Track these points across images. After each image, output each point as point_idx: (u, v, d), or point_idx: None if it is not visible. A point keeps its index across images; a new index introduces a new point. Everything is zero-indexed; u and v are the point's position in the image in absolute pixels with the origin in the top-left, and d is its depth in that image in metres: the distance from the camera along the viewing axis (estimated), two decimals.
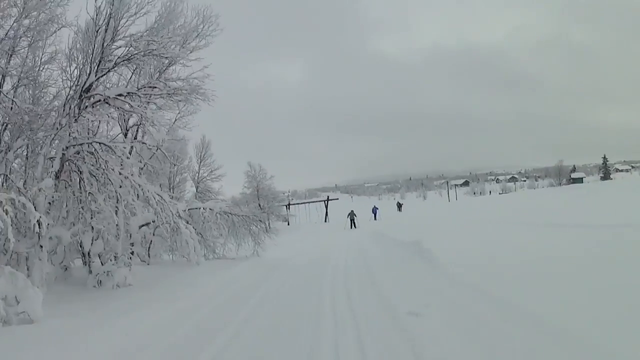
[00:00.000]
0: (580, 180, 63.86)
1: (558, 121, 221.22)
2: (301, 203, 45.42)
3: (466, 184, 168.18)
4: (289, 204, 43.07)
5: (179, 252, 11.82)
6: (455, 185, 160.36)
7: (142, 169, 14.50)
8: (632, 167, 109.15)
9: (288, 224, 38.72)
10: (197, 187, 30.63)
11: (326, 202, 42.35)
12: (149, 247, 12.51)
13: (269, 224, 36.99)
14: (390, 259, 11.21)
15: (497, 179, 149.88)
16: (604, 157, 67.43)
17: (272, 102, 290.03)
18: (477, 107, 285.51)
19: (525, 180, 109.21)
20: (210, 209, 12.35)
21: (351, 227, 31.38)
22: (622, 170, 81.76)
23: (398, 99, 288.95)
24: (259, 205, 36.06)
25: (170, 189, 29.26)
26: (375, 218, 37.60)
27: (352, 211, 33.26)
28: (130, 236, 10.62)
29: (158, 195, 8.85)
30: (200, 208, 12.37)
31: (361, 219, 33.61)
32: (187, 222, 12.60)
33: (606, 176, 64.03)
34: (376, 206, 41.15)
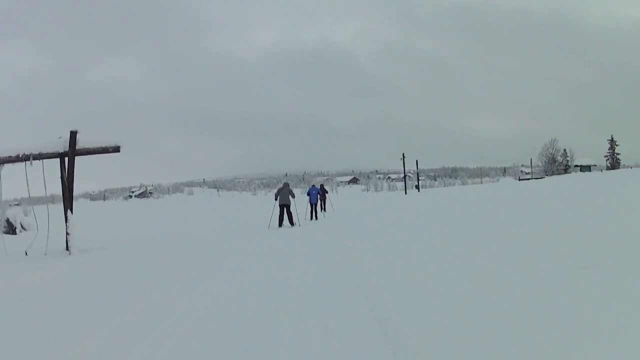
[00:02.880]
0: None
1: (423, 127, 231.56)
2: None
3: (354, 181, 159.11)
4: None
5: None
6: (342, 182, 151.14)
7: None
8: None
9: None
10: None
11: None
12: None
13: None
14: None
15: (389, 177, 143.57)
16: None
17: (117, 100, 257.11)
18: (333, 111, 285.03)
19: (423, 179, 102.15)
20: None
21: (283, 223, 15.75)
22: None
23: (249, 99, 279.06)
24: None
25: None
26: (317, 209, 18.93)
27: (286, 185, 16.57)
28: None
29: None
30: None
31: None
32: None
33: None
34: (315, 186, 20.15)
